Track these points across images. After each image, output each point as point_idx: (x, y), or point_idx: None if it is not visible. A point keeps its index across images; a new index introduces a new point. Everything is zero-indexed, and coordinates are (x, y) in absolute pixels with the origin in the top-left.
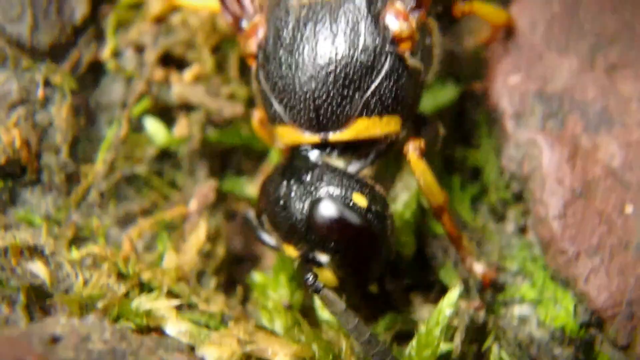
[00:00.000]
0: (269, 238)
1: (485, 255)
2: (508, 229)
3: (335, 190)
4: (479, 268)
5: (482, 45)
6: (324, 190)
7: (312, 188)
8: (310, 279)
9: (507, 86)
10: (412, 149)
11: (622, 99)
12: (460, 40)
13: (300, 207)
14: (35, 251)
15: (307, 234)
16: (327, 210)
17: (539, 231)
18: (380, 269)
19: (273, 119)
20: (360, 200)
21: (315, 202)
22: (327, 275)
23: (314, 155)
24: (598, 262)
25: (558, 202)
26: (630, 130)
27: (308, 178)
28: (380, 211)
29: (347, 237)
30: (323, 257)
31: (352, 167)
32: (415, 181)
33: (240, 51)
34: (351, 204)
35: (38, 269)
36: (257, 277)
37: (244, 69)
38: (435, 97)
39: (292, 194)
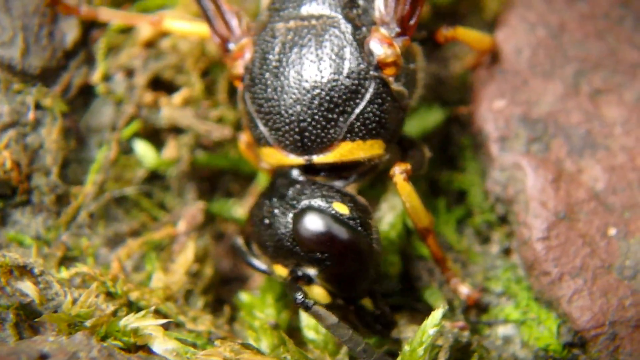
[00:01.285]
0: (259, 263)
1: (470, 277)
2: (492, 250)
3: (317, 201)
4: (463, 289)
5: (467, 70)
6: (305, 202)
7: (294, 202)
8: (300, 297)
9: (492, 110)
10: (399, 172)
11: (606, 124)
12: (446, 65)
13: (284, 222)
14: (25, 270)
15: (293, 248)
16: (309, 220)
17: (523, 253)
18: (369, 279)
19: (258, 141)
20: (342, 208)
21: (297, 214)
22: (318, 292)
23: (297, 174)
24: (581, 284)
25: (542, 225)
26: (614, 154)
27: (290, 193)
28: (363, 219)
29: (331, 246)
30: (311, 271)
31: (335, 184)
32: (401, 202)
33: (228, 74)
34: (333, 212)
35: (27, 288)
36: (244, 297)
37: (232, 93)
38: (422, 121)
39: (276, 211)
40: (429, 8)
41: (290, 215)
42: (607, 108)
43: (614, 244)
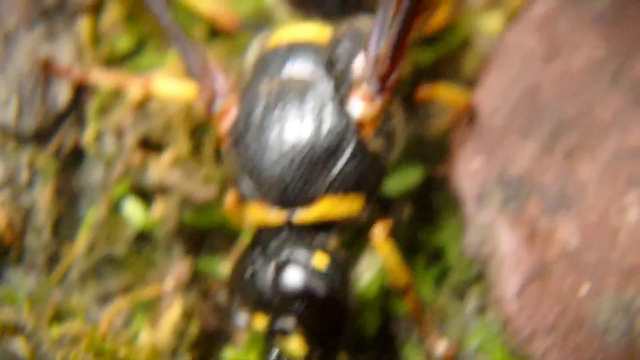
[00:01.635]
0: (241, 319)
1: (447, 334)
2: (469, 307)
3: (297, 255)
4: (440, 346)
5: (446, 128)
6: (285, 255)
7: (275, 255)
8: (274, 356)
9: (468, 170)
10: (378, 232)
11: (580, 183)
12: (425, 122)
13: (264, 274)
14: (17, 329)
15: (273, 299)
16: (288, 273)
17: (498, 310)
18: (346, 334)
19: (242, 197)
20: (321, 262)
21: (277, 267)
22: (296, 344)
23: (279, 228)
24: (553, 341)
25: (516, 283)
26: (587, 212)
27: (271, 246)
28: (342, 274)
29: (309, 299)
30: (289, 322)
31: (316, 238)
32: (379, 260)
33: (215, 133)
34: (311, 266)
35: (19, 347)
36: (229, 353)
37: (219, 151)
38: (401, 180)
39: (258, 263)
40: (410, 66)
41: (271, 268)
42: (581, 167)
43: (585, 301)
